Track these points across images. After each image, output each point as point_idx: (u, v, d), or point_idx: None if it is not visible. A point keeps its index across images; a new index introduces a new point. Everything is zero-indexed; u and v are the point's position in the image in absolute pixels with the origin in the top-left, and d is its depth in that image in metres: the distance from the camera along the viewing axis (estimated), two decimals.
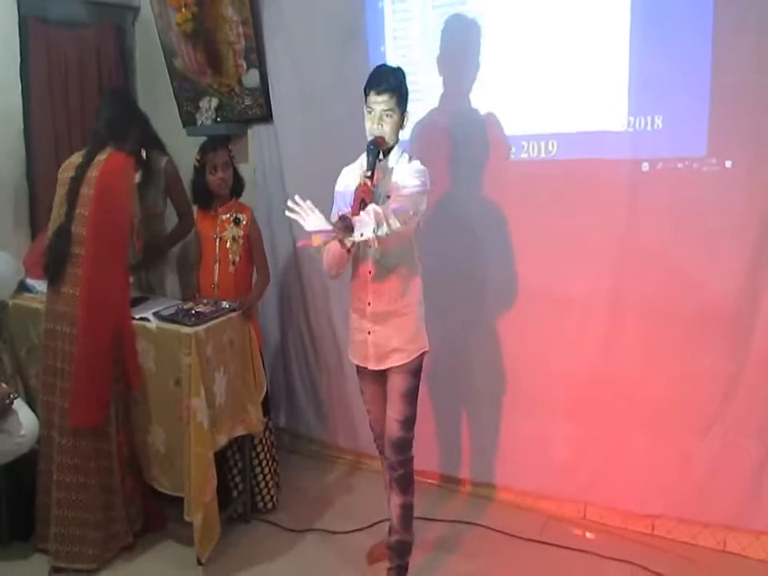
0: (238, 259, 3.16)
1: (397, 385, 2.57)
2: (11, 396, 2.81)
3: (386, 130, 2.42)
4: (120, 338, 2.82)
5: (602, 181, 2.89)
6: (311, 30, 3.49)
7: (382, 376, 2.63)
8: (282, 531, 3.13)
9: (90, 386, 2.77)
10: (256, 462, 3.20)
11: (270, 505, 3.26)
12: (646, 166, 2.81)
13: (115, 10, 4.12)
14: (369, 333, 2.58)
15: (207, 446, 2.77)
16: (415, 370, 2.59)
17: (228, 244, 3.14)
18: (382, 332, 2.55)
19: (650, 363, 2.88)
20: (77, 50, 3.85)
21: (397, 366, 2.56)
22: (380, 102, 2.40)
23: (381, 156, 2.42)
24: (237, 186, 3.22)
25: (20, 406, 2.86)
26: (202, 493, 2.74)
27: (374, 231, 2.16)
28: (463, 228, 3.23)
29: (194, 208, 3.32)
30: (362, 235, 2.16)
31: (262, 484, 3.22)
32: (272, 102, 3.70)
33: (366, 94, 2.43)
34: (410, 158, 2.52)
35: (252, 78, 3.71)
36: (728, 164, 2.66)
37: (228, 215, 3.16)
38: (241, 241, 3.16)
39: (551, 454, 3.13)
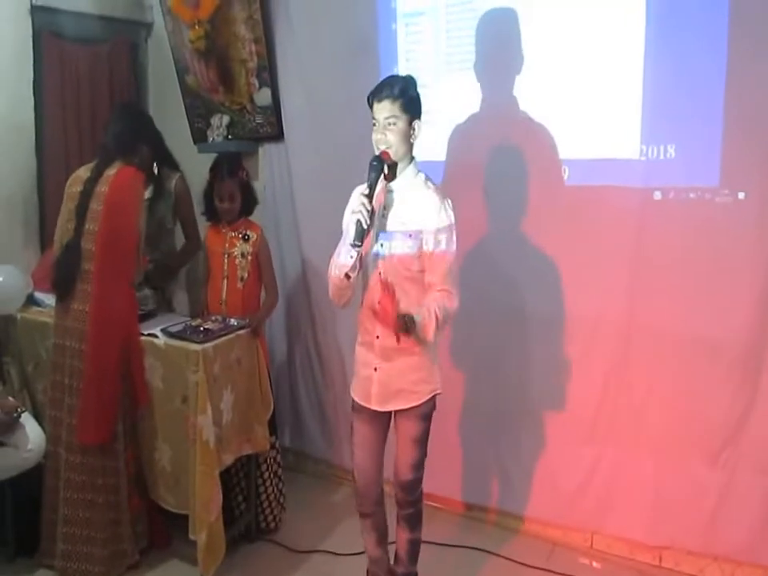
0: (246, 276, 3.15)
1: (408, 430, 2.39)
2: (19, 410, 2.81)
3: (390, 139, 2.24)
4: (128, 354, 2.80)
5: (613, 208, 2.88)
6: (323, 50, 3.52)
7: (380, 418, 2.42)
8: (286, 551, 3.12)
9: (99, 402, 2.76)
10: (260, 481, 3.18)
11: (273, 525, 3.24)
12: (658, 195, 2.81)
13: (129, 26, 4.16)
14: (375, 369, 2.36)
15: (213, 464, 2.75)
16: (427, 414, 2.38)
17: (237, 260, 3.14)
18: (389, 369, 2.35)
19: (659, 392, 2.87)
20: (90, 65, 3.89)
21: (406, 410, 2.37)
22: (381, 110, 2.25)
23: (386, 170, 2.28)
24: (247, 206, 3.20)
25: (27, 420, 2.87)
26: (207, 511, 2.72)
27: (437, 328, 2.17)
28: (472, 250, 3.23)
29: (204, 223, 3.31)
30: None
31: (266, 503, 3.20)
32: (283, 121, 3.72)
33: (370, 106, 2.29)
34: (426, 179, 2.34)
35: (264, 97, 3.73)
36: (741, 195, 2.65)
37: (237, 232, 3.16)
38: (249, 257, 3.15)
39: (558, 481, 3.12)
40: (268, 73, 3.66)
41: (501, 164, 3.12)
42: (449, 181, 3.13)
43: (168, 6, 3.80)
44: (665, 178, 2.79)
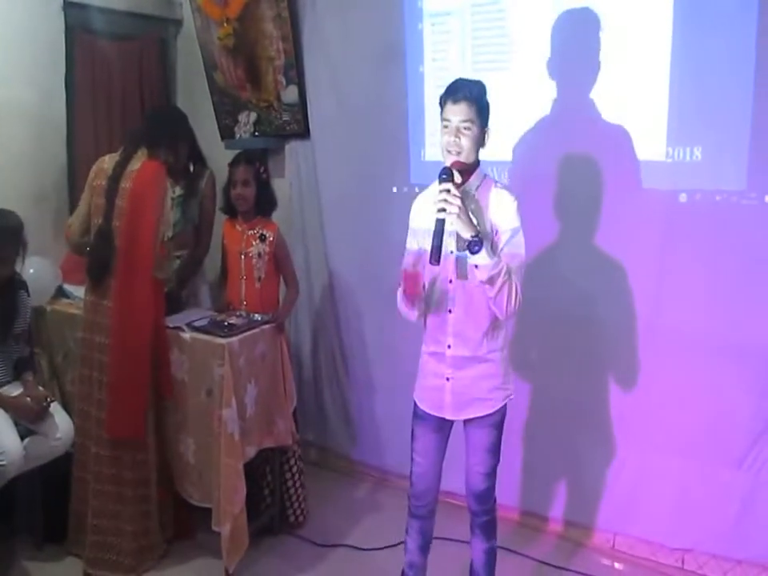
0: (263, 275, 3.15)
1: (481, 439, 2.33)
2: (48, 399, 2.87)
3: (463, 144, 2.13)
4: (154, 347, 2.83)
5: (639, 210, 2.87)
6: (350, 48, 3.54)
7: (445, 427, 2.37)
8: (309, 545, 3.14)
9: (127, 397, 2.80)
10: (289, 475, 3.21)
11: (300, 518, 3.26)
12: (684, 197, 2.80)
13: (159, 23, 4.20)
14: (447, 379, 2.29)
15: (237, 457, 2.78)
16: (500, 422, 2.33)
17: (254, 261, 3.13)
18: (463, 379, 2.28)
19: (685, 394, 2.85)
20: (120, 61, 3.93)
21: (479, 418, 2.31)
22: (457, 113, 2.13)
23: (457, 179, 2.13)
24: (263, 205, 3.18)
25: (56, 409, 2.93)
26: (231, 504, 2.75)
27: (490, 261, 2.05)
28: None
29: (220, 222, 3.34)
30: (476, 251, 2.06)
31: (294, 497, 3.23)
32: (310, 119, 3.75)
33: (442, 106, 2.17)
34: (495, 183, 2.25)
35: (291, 94, 3.76)
36: (767, 199, 2.64)
37: (253, 231, 3.15)
38: (266, 257, 3.14)
39: (582, 482, 3.12)
40: (295, 70, 3.69)
41: (521, 163, 3.12)
42: None
43: (197, 3, 3.84)
44: (691, 181, 2.78)
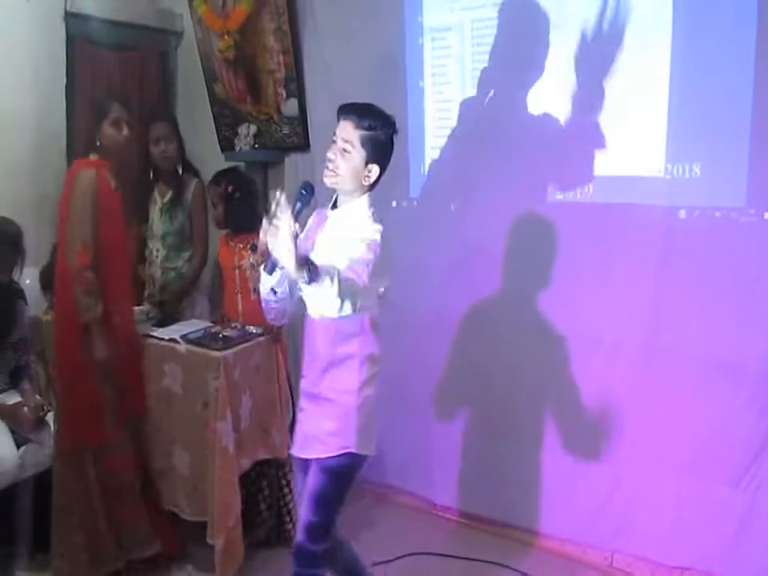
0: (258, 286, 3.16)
1: (310, 483, 2.16)
2: (45, 408, 2.86)
3: (339, 165, 2.02)
4: (122, 360, 2.77)
5: (637, 226, 2.87)
6: (350, 62, 3.54)
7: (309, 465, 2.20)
8: None
9: (71, 405, 2.74)
10: (287, 489, 3.17)
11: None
12: (682, 214, 2.79)
13: (159, 35, 4.22)
14: (302, 409, 2.22)
15: (232, 470, 2.76)
16: (332, 470, 2.12)
17: (247, 273, 3.13)
18: (310, 415, 2.17)
19: (682, 412, 2.84)
20: (121, 72, 3.94)
21: (315, 459, 2.15)
22: (341, 130, 2.03)
23: (308, 202, 2.00)
24: (235, 222, 3.16)
25: (52, 418, 2.91)
26: (226, 517, 2.73)
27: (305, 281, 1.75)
28: (493, 267, 3.23)
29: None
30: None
31: (291, 510, 3.18)
32: (310, 132, 3.76)
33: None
34: (372, 217, 2.07)
35: (291, 107, 3.77)
36: (767, 216, 2.63)
37: (243, 244, 3.15)
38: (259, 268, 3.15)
39: (579, 498, 3.10)
40: (295, 83, 3.71)
41: (521, 179, 3.12)
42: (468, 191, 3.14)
43: (198, 15, 3.85)
44: (690, 197, 2.78)
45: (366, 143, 2.03)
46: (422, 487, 3.52)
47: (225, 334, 2.93)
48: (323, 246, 2.09)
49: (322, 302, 1.83)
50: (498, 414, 3.29)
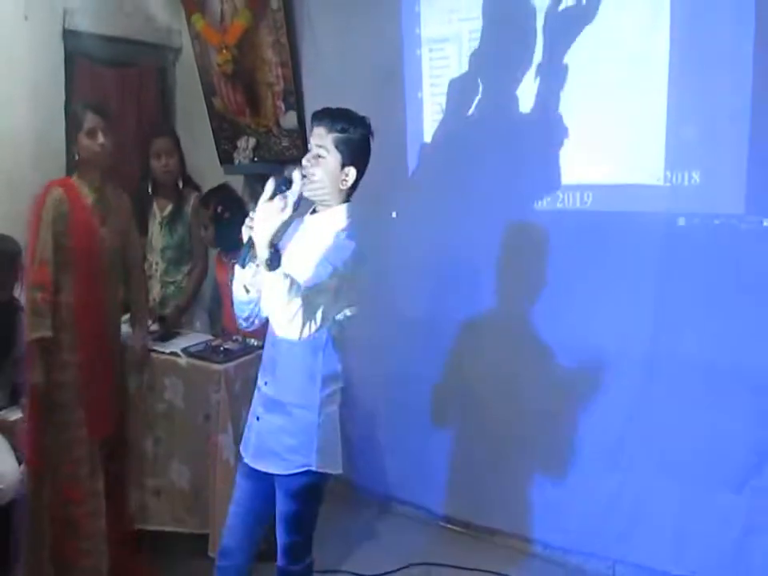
0: None
1: (280, 507, 2.11)
2: None
3: (314, 172, 1.96)
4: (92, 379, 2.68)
5: (636, 234, 2.87)
6: (349, 74, 3.55)
7: (259, 474, 2.12)
8: None
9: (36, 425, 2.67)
10: None
11: None
12: (682, 221, 2.79)
13: (157, 51, 4.22)
14: (258, 418, 2.11)
15: (233, 483, 2.75)
16: (297, 493, 2.06)
17: None
18: (269, 424, 2.07)
19: (684, 419, 2.82)
20: (119, 88, 3.94)
21: (280, 478, 2.08)
22: (315, 136, 1.98)
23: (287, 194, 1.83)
24: (226, 243, 3.14)
25: None
26: None
27: (267, 264, 1.73)
28: (491, 275, 3.23)
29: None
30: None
31: None
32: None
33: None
34: (347, 235, 1.99)
35: (290, 120, 3.78)
36: (767, 223, 2.63)
37: (236, 260, 3.13)
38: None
39: (581, 508, 3.08)
40: (294, 96, 3.72)
41: (520, 187, 3.13)
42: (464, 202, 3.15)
43: (196, 30, 3.88)
44: (689, 205, 2.78)
45: (340, 145, 1.98)
46: (424, 498, 3.51)
47: (226, 347, 2.95)
48: (294, 251, 2.04)
49: (280, 314, 1.79)
50: (500, 424, 3.28)
